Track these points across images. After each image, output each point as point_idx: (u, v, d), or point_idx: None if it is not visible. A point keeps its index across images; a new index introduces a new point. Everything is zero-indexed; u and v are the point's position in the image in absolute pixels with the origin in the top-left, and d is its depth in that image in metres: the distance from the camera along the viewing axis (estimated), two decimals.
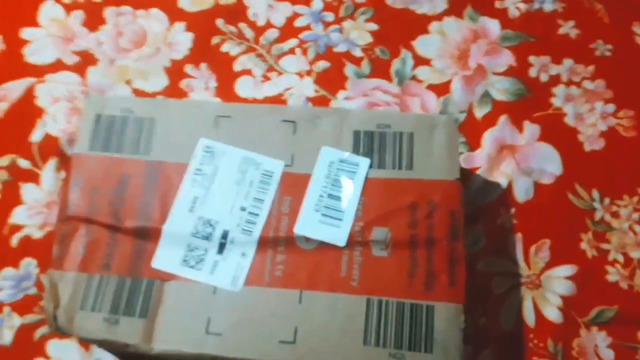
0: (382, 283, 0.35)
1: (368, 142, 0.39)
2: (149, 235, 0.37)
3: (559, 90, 0.51)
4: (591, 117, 0.50)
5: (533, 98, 0.51)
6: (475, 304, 0.44)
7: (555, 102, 0.51)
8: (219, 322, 0.35)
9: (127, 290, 0.36)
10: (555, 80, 0.51)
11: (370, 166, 0.38)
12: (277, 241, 0.37)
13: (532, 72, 0.51)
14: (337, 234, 0.36)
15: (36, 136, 0.48)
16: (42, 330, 0.43)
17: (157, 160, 0.39)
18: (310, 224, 0.37)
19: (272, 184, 0.38)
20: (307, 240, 0.37)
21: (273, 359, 0.34)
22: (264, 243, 0.37)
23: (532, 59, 0.52)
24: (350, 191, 0.37)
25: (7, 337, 0.43)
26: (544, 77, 0.51)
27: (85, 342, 0.42)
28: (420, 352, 0.34)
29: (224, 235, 0.37)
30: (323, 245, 0.36)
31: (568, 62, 0.52)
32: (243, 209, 0.37)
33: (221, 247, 0.37)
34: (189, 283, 0.36)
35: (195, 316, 0.35)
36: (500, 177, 0.48)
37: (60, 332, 0.35)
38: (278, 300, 0.35)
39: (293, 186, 0.38)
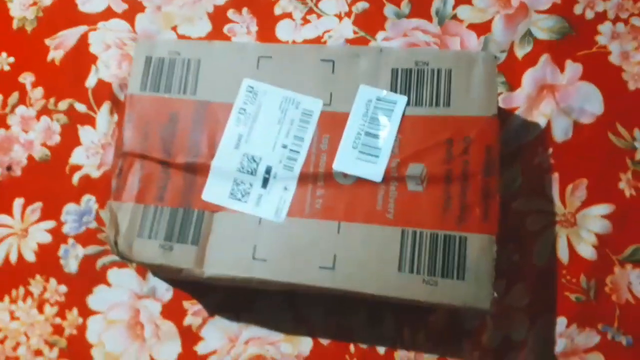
0: (416, 215, 0.37)
1: (406, 80, 0.40)
2: (198, 170, 0.40)
3: (604, 27, 0.50)
4: (637, 55, 0.49)
5: (577, 36, 0.50)
6: (509, 240, 0.45)
7: (601, 40, 0.50)
8: (264, 249, 0.38)
9: (179, 220, 0.39)
10: (601, 17, 0.50)
11: (408, 104, 0.39)
12: (316, 176, 0.39)
13: (578, 9, 0.50)
14: (374, 170, 0.38)
15: (91, 81, 0.51)
16: (103, 259, 0.47)
17: (203, 99, 0.41)
18: (347, 161, 0.39)
19: (311, 122, 0.40)
20: (345, 175, 0.39)
21: (313, 282, 0.37)
22: (305, 178, 0.39)
23: None
24: (387, 128, 0.39)
25: (73, 266, 0.48)
26: (589, 15, 0.50)
27: (143, 268, 0.46)
28: (453, 279, 0.36)
29: (268, 171, 0.39)
30: (360, 181, 0.38)
31: None
32: (284, 146, 0.40)
33: (265, 182, 0.39)
34: (236, 214, 0.39)
35: (243, 244, 0.38)
36: (539, 117, 0.48)
37: (121, 257, 0.39)
38: (318, 230, 0.38)
39: (331, 124, 0.40)
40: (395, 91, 0.40)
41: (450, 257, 0.36)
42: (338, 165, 0.39)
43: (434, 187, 0.37)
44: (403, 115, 0.39)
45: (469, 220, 0.37)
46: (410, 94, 0.39)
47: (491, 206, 0.37)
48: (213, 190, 0.39)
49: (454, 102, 0.39)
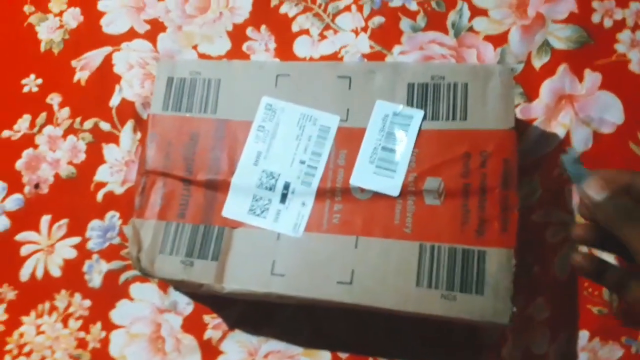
0: (434, 230, 0.37)
1: (422, 94, 0.40)
2: (218, 187, 0.40)
3: (624, 35, 0.49)
4: None
5: (596, 45, 0.49)
6: (529, 253, 0.45)
7: (620, 48, 0.49)
8: (283, 265, 0.38)
9: (200, 236, 0.39)
10: (620, 25, 0.49)
11: (424, 118, 0.39)
12: (334, 191, 0.39)
13: (596, 18, 0.50)
14: (391, 184, 0.38)
15: (114, 101, 0.52)
16: (126, 274, 0.48)
17: (223, 118, 0.41)
18: (365, 176, 0.39)
19: (328, 138, 0.40)
20: (362, 190, 0.39)
21: (331, 297, 0.37)
22: (322, 193, 0.39)
23: (595, 3, 0.50)
24: (403, 143, 0.39)
25: (97, 281, 0.48)
26: (608, 23, 0.50)
27: (165, 283, 0.47)
28: (472, 294, 0.36)
29: (286, 187, 0.40)
30: (377, 195, 0.38)
31: (635, 6, 0.49)
32: (302, 162, 0.40)
33: (283, 197, 0.39)
34: (255, 230, 0.39)
35: (261, 259, 0.38)
36: (558, 128, 0.47)
37: (143, 273, 0.40)
38: (336, 245, 0.38)
39: (348, 140, 0.40)
40: (412, 106, 0.40)
41: (469, 272, 0.36)
42: (355, 180, 0.39)
43: (451, 201, 0.37)
44: (420, 129, 0.39)
45: (487, 234, 0.36)
46: (427, 108, 0.39)
47: (510, 220, 0.36)
48: (233, 207, 0.40)
49: (470, 115, 0.39)
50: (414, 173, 0.38)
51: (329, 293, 0.37)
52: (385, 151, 0.39)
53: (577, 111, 0.48)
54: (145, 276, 0.41)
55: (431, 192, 0.38)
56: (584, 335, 0.44)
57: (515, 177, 0.37)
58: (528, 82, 0.49)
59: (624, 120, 0.47)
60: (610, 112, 0.48)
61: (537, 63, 0.49)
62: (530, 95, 0.48)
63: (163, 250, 0.39)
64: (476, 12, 0.51)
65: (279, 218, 0.39)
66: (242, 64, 0.43)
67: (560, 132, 0.47)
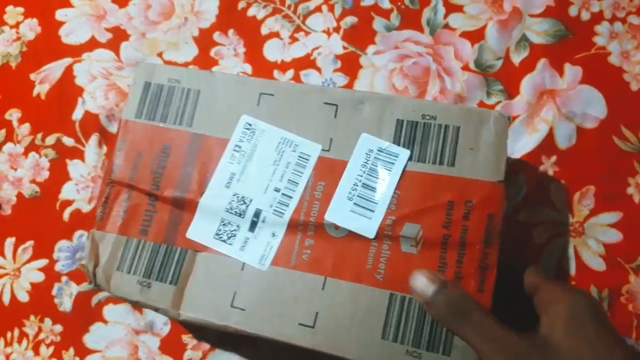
0: (407, 280, 0.31)
1: (411, 133, 0.33)
2: (185, 206, 0.34)
3: (602, 28, 0.43)
4: (638, 54, 0.43)
5: (574, 39, 0.43)
6: (514, 254, 0.39)
7: (599, 41, 0.43)
8: (244, 298, 0.32)
9: (161, 257, 0.33)
10: (597, 17, 0.43)
11: (410, 158, 0.33)
12: (307, 225, 0.33)
13: (573, 11, 0.43)
14: (368, 225, 0.32)
15: (77, 114, 0.45)
16: (99, 296, 0.42)
17: (199, 132, 0.35)
18: (341, 212, 0.32)
19: (307, 167, 0.33)
20: (337, 228, 0.32)
21: (291, 340, 0.31)
22: (294, 226, 0.33)
23: None
24: (385, 182, 0.32)
25: (67, 305, 0.42)
26: (585, 16, 0.43)
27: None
28: (438, 354, 0.30)
29: (257, 214, 0.33)
30: (352, 235, 0.32)
31: None
32: (277, 189, 0.33)
33: (253, 225, 0.33)
34: (219, 256, 0.33)
35: (223, 289, 0.32)
36: (541, 124, 0.41)
37: (98, 289, 0.34)
38: (302, 284, 0.32)
39: (328, 171, 0.33)
40: (399, 144, 0.33)
41: (438, 330, 0.30)
42: (330, 216, 0.33)
43: (429, 251, 0.31)
44: (404, 170, 0.32)
45: None
46: (414, 148, 0.33)
47: (487, 279, 0.31)
48: (199, 229, 0.33)
49: (459, 162, 0.32)
50: (393, 216, 0.32)
51: (289, 335, 0.31)
52: (365, 188, 0.33)
53: (560, 106, 0.42)
54: (100, 289, 0.34)
55: (409, 239, 0.32)
56: None
57: (498, 235, 0.31)
58: (508, 78, 0.43)
59: (607, 114, 0.42)
60: (593, 106, 0.42)
61: (516, 59, 0.43)
62: (511, 92, 0.43)
63: (120, 268, 0.34)
64: (451, 8, 0.44)
65: (246, 247, 0.33)
66: (224, 76, 0.36)
67: (544, 128, 0.41)
